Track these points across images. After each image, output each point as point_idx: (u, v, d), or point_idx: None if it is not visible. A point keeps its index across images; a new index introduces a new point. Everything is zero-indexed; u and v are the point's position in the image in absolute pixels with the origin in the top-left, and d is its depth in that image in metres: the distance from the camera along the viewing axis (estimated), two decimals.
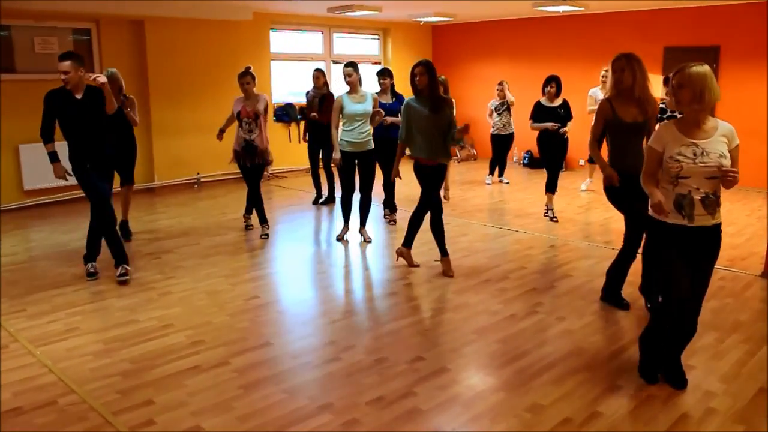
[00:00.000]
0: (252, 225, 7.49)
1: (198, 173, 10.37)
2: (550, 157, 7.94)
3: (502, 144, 10.17)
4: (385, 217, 7.91)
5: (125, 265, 5.64)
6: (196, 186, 10.30)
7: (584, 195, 9.42)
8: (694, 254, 3.54)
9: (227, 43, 10.47)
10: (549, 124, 7.77)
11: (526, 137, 9.89)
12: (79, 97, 5.37)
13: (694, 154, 3.41)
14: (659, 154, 3.52)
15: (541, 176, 10.06)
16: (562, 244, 6.89)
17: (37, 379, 3.87)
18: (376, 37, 13.19)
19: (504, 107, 9.97)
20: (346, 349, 4.31)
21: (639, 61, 4.61)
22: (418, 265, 5.98)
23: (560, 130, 7.80)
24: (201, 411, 3.49)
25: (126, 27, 9.52)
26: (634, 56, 4.62)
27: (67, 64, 5.21)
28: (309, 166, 8.96)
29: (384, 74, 7.65)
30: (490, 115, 10.14)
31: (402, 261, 6.05)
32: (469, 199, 9.24)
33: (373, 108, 6.67)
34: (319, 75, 8.49)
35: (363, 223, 6.99)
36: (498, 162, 10.36)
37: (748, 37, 9.54)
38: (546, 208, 8.03)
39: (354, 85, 6.64)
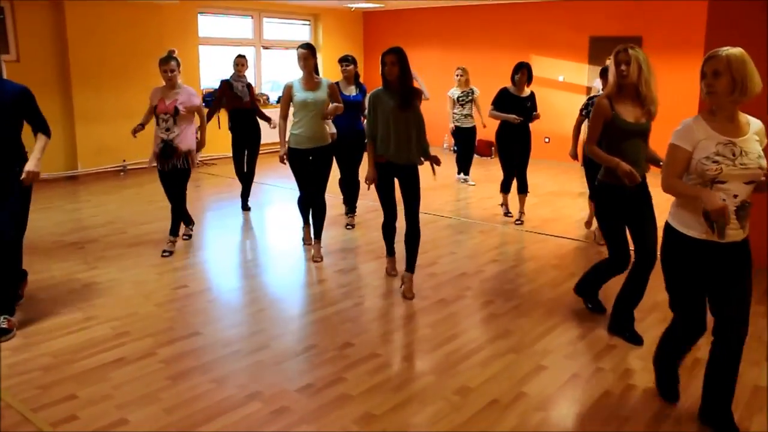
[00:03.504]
0: (172, 251, 6.05)
1: (124, 160, 10.09)
2: (510, 155, 7.29)
3: (466, 138, 9.31)
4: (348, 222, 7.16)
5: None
6: (121, 173, 10.02)
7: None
8: (720, 272, 3.07)
9: (153, 27, 10.18)
10: (511, 117, 7.04)
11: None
12: None
13: (733, 155, 2.90)
14: (688, 154, 2.97)
15: (477, 164, 10.20)
16: (491, 230, 7.01)
17: None
18: (307, 22, 13.07)
19: (468, 97, 9.15)
20: (275, 337, 4.29)
21: (644, 54, 4.07)
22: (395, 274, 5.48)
23: (535, 115, 7.25)
24: (126, 404, 3.42)
25: (44, 7, 9.12)
26: (639, 48, 4.07)
27: None
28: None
29: (347, 61, 6.84)
30: (452, 106, 9.21)
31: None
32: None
33: (330, 97, 5.75)
34: (243, 62, 7.55)
35: (318, 235, 5.98)
36: (462, 159, 9.53)
37: (669, 29, 9.90)
38: (503, 206, 7.58)
39: (309, 70, 5.70)
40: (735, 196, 2.93)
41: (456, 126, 9.26)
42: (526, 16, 11.39)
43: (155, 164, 5.91)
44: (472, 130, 9.30)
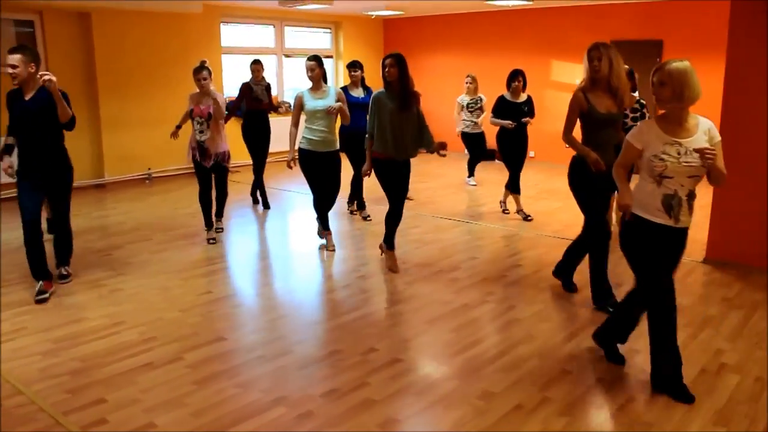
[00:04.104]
0: (215, 239, 6.76)
1: (149, 168, 10.22)
2: (511, 156, 7.67)
3: (473, 143, 9.55)
4: (352, 213, 7.80)
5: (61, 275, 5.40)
6: (147, 181, 10.15)
7: (532, 187, 9.53)
8: (669, 251, 3.62)
9: (177, 37, 10.33)
10: (506, 122, 7.45)
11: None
12: (27, 97, 4.89)
13: (678, 153, 3.38)
14: (638, 151, 3.49)
15: (491, 168, 10.24)
16: (512, 235, 7.01)
17: None
18: (328, 30, 13.15)
19: (477, 105, 9.38)
20: (299, 342, 4.33)
21: (615, 50, 4.55)
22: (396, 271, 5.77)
23: (525, 121, 7.54)
24: (154, 408, 3.47)
25: (72, 19, 9.30)
26: (611, 45, 4.56)
27: (16, 58, 4.73)
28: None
29: (354, 67, 7.56)
30: (459, 112, 9.49)
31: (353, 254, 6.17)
32: (421, 191, 9.30)
33: (339, 104, 6.18)
34: (259, 68, 8.11)
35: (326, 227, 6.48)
36: (474, 161, 9.83)
37: (689, 33, 9.83)
38: (519, 212, 7.69)
39: (317, 80, 6.11)
40: (682, 187, 3.41)
41: (464, 132, 9.52)
42: (546, 20, 11.36)
43: (195, 157, 6.56)
44: (480, 136, 9.51)
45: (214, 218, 6.89)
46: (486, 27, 12.17)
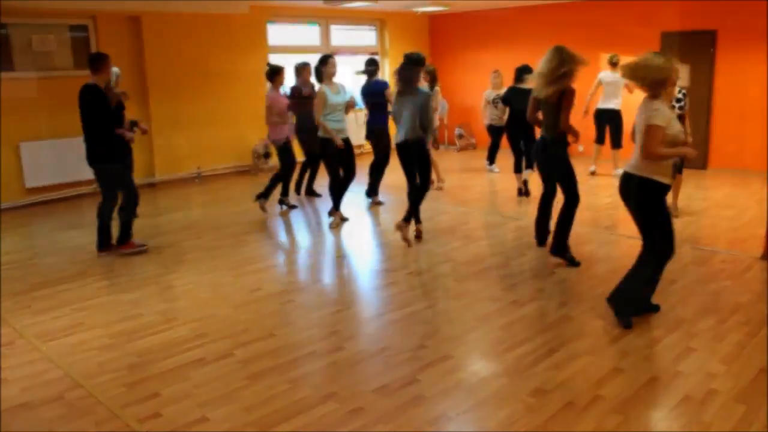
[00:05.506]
0: (295, 205, 8.19)
1: (198, 167, 10.39)
2: (517, 140, 8.47)
3: (499, 135, 9.96)
4: (373, 203, 8.21)
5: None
6: (197, 180, 10.32)
7: (582, 183, 9.37)
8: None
9: (225, 37, 10.47)
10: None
11: None
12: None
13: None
14: (664, 129, 4.12)
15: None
16: None
17: (44, 374, 3.91)
18: (373, 28, 13.17)
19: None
20: (349, 338, 4.35)
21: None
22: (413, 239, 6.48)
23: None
24: (207, 402, 3.53)
25: (123, 23, 9.52)
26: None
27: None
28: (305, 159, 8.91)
29: (375, 64, 8.30)
30: (485, 106, 9.91)
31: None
32: (470, 187, 9.25)
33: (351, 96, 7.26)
34: (301, 70, 8.50)
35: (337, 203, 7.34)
36: (493, 151, 10.38)
37: (745, 22, 9.52)
38: (523, 185, 8.50)
39: (330, 77, 7.10)
40: None
41: (490, 124, 9.97)
42: (594, 13, 11.14)
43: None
44: (504, 129, 9.75)
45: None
46: (533, 22, 12.01)
